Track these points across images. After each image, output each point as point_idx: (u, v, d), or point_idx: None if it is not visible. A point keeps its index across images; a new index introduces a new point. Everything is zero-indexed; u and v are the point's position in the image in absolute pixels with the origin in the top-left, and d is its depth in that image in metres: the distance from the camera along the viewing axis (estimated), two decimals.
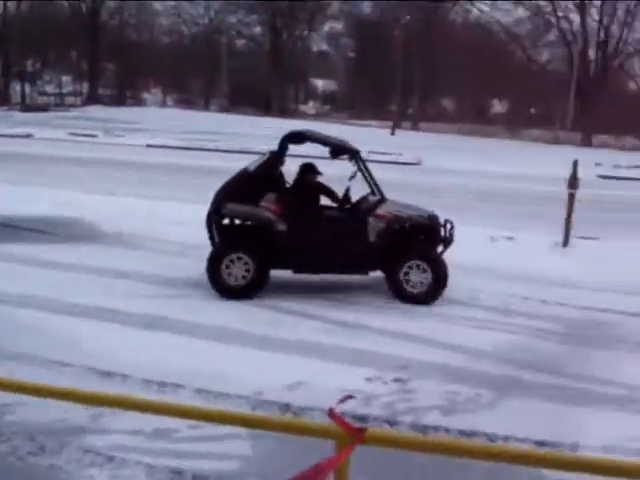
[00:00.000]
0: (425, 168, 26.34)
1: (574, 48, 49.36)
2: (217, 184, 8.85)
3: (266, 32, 68.47)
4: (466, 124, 48.82)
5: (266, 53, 68.47)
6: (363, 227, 8.69)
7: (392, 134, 44.56)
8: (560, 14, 51.33)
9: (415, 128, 52.00)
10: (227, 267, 8.44)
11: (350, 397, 2.47)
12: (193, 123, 41.75)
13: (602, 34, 50.42)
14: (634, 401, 5.96)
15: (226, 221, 8.96)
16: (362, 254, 8.75)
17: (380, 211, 8.78)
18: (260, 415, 4.88)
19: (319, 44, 73.65)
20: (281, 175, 9.13)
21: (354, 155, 9.13)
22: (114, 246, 10.83)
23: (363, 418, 5.30)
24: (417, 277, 8.57)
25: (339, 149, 9.32)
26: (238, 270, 8.45)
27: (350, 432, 2.40)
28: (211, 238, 8.89)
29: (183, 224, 11.61)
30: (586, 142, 45.10)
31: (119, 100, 66.32)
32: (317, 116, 65.58)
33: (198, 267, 8.81)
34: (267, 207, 8.57)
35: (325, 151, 9.35)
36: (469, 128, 46.54)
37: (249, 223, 8.98)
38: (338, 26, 70.03)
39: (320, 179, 9.36)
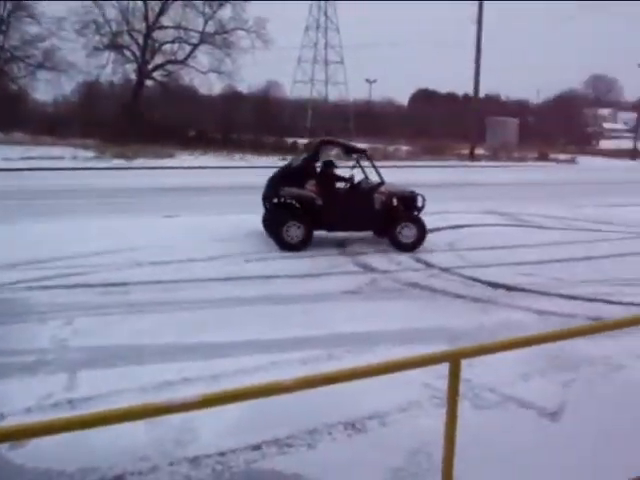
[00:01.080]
0: None
1: None
2: None
3: None
4: None
5: None
6: (372, 200, 11.51)
7: None
8: None
9: None
10: (287, 230, 10.94)
11: None
12: None
13: None
14: (44, 363, 5.90)
15: (275, 200, 11.55)
16: (371, 218, 11.58)
17: (382, 189, 11.65)
18: None
19: None
20: (314, 167, 11.64)
21: (361, 153, 12.27)
22: None
23: None
24: (408, 233, 11.41)
25: (352, 149, 12.50)
26: (294, 232, 10.98)
27: None
28: (267, 211, 11.70)
29: None
30: None
31: None
32: None
33: None
34: (310, 189, 11.23)
35: None
36: None
37: (293, 201, 11.36)
38: None
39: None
